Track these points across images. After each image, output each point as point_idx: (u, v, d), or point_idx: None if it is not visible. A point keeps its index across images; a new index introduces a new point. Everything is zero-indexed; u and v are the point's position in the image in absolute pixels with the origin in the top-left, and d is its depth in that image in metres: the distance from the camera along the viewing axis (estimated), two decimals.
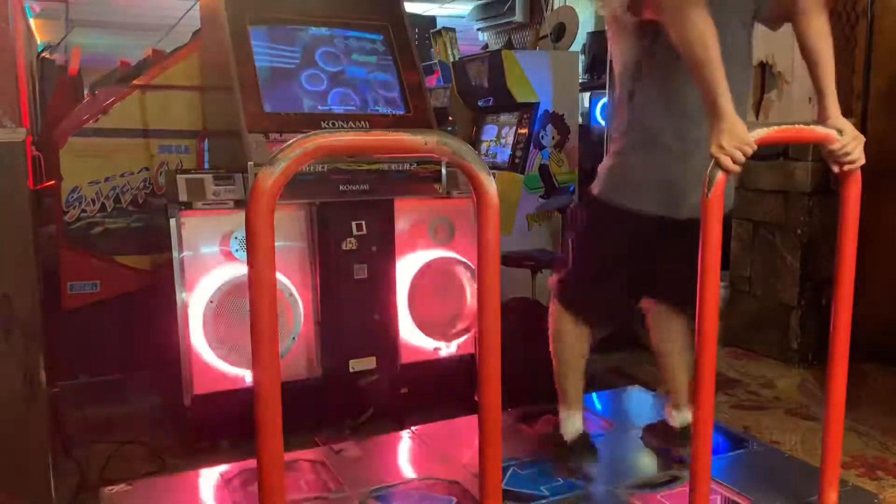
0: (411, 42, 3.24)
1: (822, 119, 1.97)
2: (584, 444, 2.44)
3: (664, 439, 2.51)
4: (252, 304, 1.37)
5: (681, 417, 2.47)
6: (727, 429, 2.78)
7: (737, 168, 1.77)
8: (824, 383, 2.09)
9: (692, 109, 1.99)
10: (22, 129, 2.04)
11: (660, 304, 2.45)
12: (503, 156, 4.74)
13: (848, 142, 1.91)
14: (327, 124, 2.90)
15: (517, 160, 4.58)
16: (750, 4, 2.11)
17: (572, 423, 2.44)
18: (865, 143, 1.93)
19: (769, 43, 3.52)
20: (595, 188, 2.28)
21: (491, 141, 4.96)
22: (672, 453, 2.46)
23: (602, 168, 2.28)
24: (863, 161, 1.94)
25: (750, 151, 1.77)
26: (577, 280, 2.35)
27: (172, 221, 2.69)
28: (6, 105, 2.07)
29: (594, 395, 3.10)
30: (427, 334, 3.10)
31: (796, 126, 2.13)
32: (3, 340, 1.99)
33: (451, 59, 5.71)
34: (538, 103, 4.56)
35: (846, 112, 2.00)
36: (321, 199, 2.85)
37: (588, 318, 2.36)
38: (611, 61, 2.43)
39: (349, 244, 2.90)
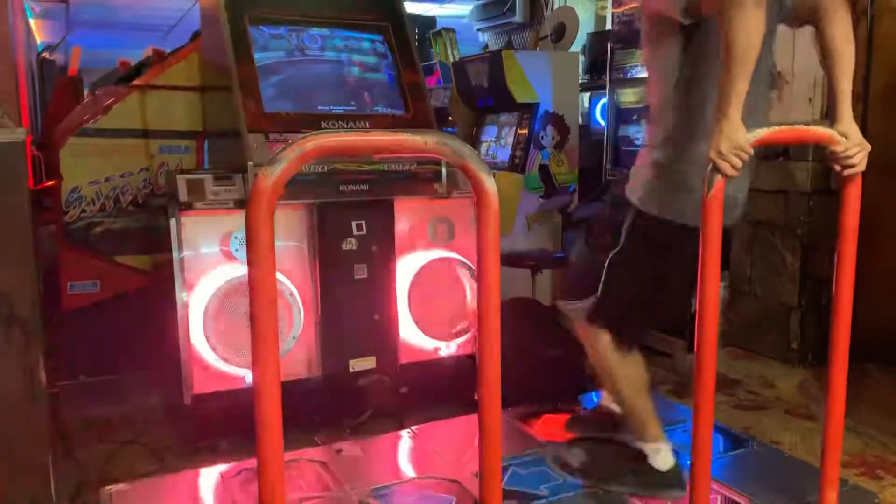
0: (411, 42, 3.24)
1: (833, 121, 1.97)
2: (678, 477, 2.25)
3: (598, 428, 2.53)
4: (252, 304, 1.37)
5: None
6: (727, 429, 2.78)
7: (735, 172, 1.78)
8: (824, 383, 2.09)
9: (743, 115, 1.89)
10: (22, 129, 2.04)
11: None
12: (503, 156, 4.74)
13: (850, 147, 1.91)
14: (327, 124, 2.89)
15: (517, 160, 4.58)
16: (775, 5, 2.10)
17: (665, 457, 2.25)
18: None
19: None
20: (650, 207, 2.14)
21: (491, 141, 4.96)
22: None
23: (649, 180, 2.15)
24: (863, 168, 1.94)
25: (746, 157, 1.78)
26: (630, 309, 2.22)
27: (172, 221, 2.69)
28: (6, 105, 2.07)
29: (594, 394, 3.10)
30: (427, 334, 3.10)
31: (796, 126, 2.13)
32: (3, 340, 1.99)
33: (451, 59, 5.71)
34: (538, 104, 4.56)
35: None
36: (321, 199, 2.85)
37: (638, 341, 2.25)
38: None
39: (349, 244, 2.90)
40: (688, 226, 2.05)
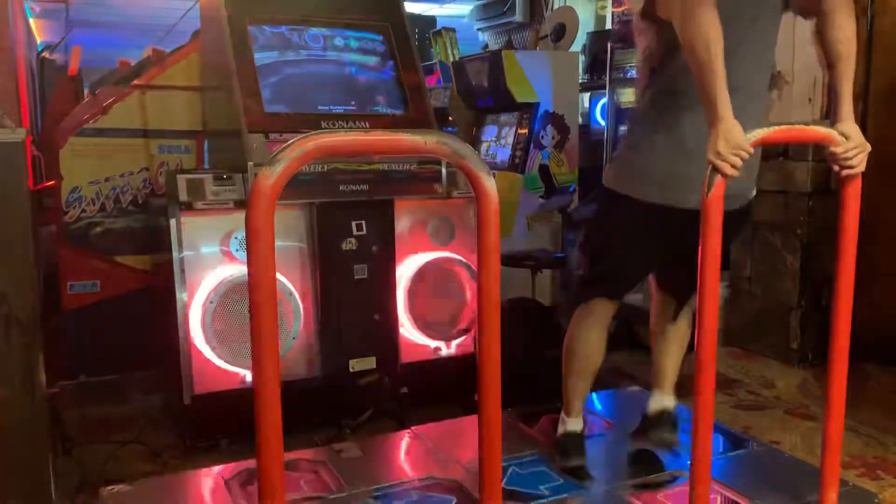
0: (411, 42, 3.24)
1: (834, 120, 1.97)
2: (575, 442, 2.44)
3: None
4: (252, 304, 1.37)
5: (659, 401, 2.49)
6: (727, 429, 2.78)
7: (735, 172, 1.79)
8: (824, 383, 2.09)
9: (699, 107, 1.95)
10: (22, 129, 2.04)
11: (667, 294, 2.47)
12: (503, 156, 4.74)
13: (851, 147, 1.91)
14: (327, 124, 2.89)
15: (517, 160, 4.58)
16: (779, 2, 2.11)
17: (570, 424, 2.45)
18: None
19: None
20: (604, 179, 2.34)
21: (491, 141, 4.96)
22: (649, 436, 2.48)
23: (615, 161, 2.35)
24: (862, 168, 1.94)
25: (746, 156, 1.79)
26: (596, 263, 2.40)
27: (172, 221, 2.69)
28: (6, 105, 2.07)
29: (594, 394, 3.10)
30: (427, 334, 3.10)
31: (796, 126, 2.14)
32: (2, 340, 1.98)
33: (451, 59, 5.71)
34: (538, 103, 4.56)
35: None
36: (321, 199, 2.85)
37: (611, 290, 2.37)
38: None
39: (349, 244, 2.90)
40: (650, 203, 2.18)
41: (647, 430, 2.45)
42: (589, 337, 2.37)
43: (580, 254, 2.51)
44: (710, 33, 1.79)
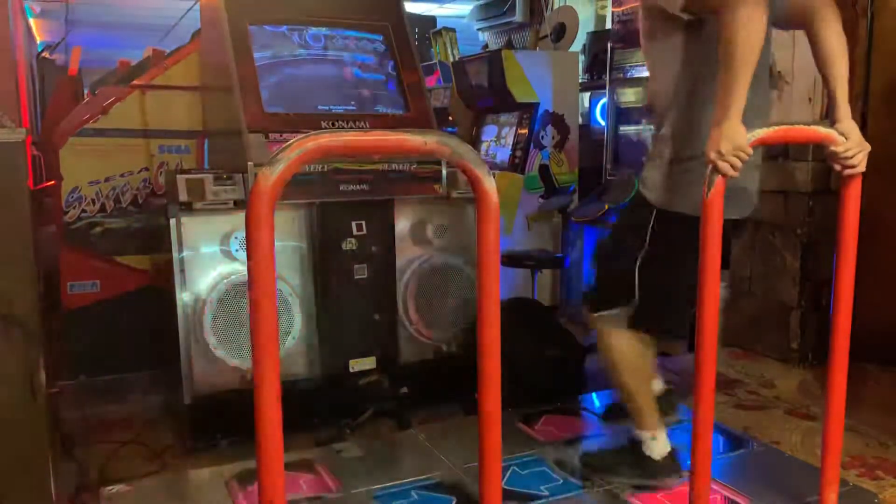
0: (411, 42, 3.24)
1: (833, 121, 1.97)
2: (674, 463, 2.31)
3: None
4: (252, 304, 1.37)
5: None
6: (727, 429, 2.78)
7: (735, 172, 1.80)
8: (824, 383, 2.09)
9: (747, 108, 1.86)
10: (22, 129, 2.04)
11: None
12: (503, 156, 4.75)
13: (850, 147, 1.91)
14: (327, 124, 2.89)
15: (517, 160, 4.58)
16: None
17: (662, 444, 2.30)
18: None
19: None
20: (669, 204, 2.14)
21: (491, 141, 4.96)
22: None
23: (664, 177, 2.16)
24: (863, 168, 1.95)
25: (745, 157, 1.80)
26: (670, 309, 2.22)
27: (172, 221, 2.69)
28: (6, 105, 2.07)
29: (594, 395, 3.11)
30: (427, 334, 3.09)
31: (796, 126, 2.14)
32: (3, 340, 1.98)
33: (451, 59, 5.71)
34: (538, 103, 4.57)
35: None
36: (321, 199, 2.85)
37: (667, 336, 2.30)
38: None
39: (349, 244, 2.89)
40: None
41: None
42: (625, 336, 2.25)
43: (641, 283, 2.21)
44: (759, 33, 1.77)
